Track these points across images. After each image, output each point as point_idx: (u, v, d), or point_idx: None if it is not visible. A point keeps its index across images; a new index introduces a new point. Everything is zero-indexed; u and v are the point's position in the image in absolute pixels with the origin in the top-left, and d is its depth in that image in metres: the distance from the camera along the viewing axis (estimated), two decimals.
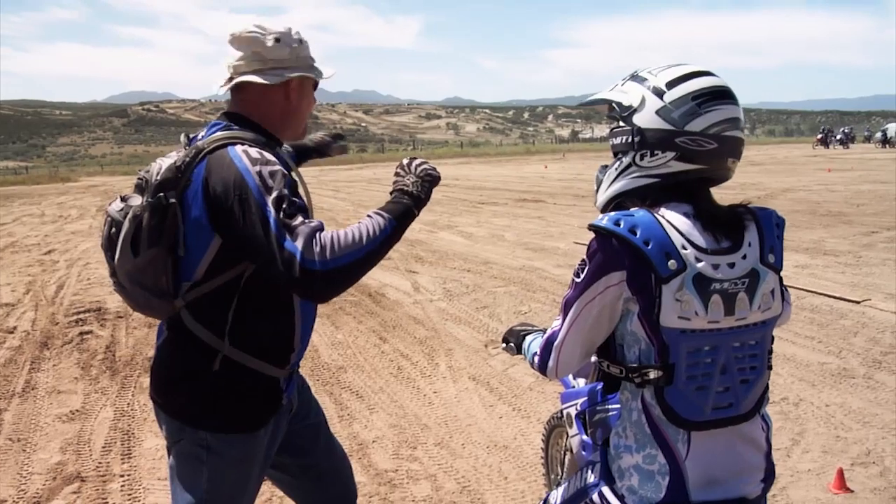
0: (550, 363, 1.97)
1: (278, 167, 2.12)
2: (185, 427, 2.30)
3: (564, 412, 2.63)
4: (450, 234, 14.49)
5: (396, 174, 2.32)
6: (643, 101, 1.86)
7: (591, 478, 2.06)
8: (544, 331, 2.12)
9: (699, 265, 1.73)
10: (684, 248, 1.73)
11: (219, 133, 2.26)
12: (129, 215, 2.18)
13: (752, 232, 1.81)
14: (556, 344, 1.94)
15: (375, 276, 9.98)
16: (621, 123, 1.90)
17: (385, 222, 2.11)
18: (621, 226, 1.74)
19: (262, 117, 2.36)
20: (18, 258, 13.08)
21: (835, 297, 8.11)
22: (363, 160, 63.00)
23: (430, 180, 2.29)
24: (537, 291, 9.01)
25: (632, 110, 1.87)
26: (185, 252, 2.19)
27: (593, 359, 2.45)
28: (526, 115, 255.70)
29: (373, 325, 7.78)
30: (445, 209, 19.24)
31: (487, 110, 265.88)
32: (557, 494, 2.22)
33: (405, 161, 2.36)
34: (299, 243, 1.98)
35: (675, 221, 1.77)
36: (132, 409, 5.47)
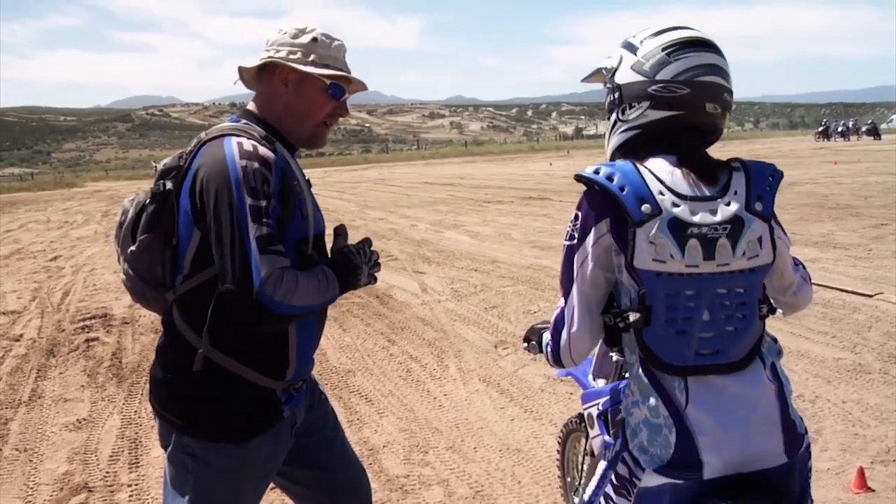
0: (563, 341, 1.96)
1: (268, 169, 2.07)
2: (172, 432, 2.26)
3: (585, 413, 2.57)
4: (456, 233, 14.42)
5: (358, 251, 2.32)
6: (621, 60, 1.97)
7: (613, 452, 2.00)
8: None
9: (675, 210, 1.76)
10: (661, 193, 1.78)
11: (225, 124, 2.25)
12: (135, 202, 2.26)
13: (738, 181, 1.83)
14: (563, 319, 1.95)
15: (383, 278, 9.88)
16: (607, 85, 2.00)
17: (334, 293, 2.19)
18: (600, 174, 1.83)
19: (270, 114, 2.31)
20: (24, 265, 13.05)
21: (847, 291, 8.02)
22: (367, 161, 63.10)
23: (371, 283, 2.37)
24: (546, 290, 8.93)
25: (613, 70, 1.98)
26: (178, 242, 2.18)
27: (615, 357, 2.39)
28: (529, 112, 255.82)
29: (381, 327, 7.72)
30: (451, 208, 19.20)
31: (491, 109, 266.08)
32: (590, 484, 2.14)
33: (364, 249, 2.35)
34: (264, 272, 1.97)
35: (656, 169, 1.83)
36: (139, 417, 5.42)
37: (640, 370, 1.86)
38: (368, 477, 2.79)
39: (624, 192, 1.77)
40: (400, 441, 4.87)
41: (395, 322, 7.88)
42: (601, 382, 2.61)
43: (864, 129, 57.33)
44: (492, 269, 10.48)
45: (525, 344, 2.47)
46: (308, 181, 2.35)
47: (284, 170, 2.16)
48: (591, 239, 1.85)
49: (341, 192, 27.32)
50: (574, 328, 1.92)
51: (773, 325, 6.70)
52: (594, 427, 2.48)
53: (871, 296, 7.82)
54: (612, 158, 1.99)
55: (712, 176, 1.83)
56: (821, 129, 58.29)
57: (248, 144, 2.09)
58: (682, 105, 1.85)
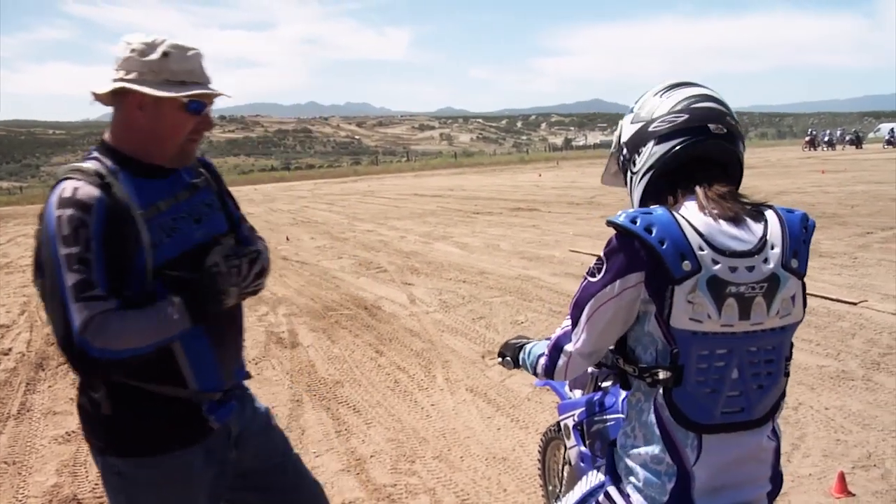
0: (560, 364, 1.96)
1: (86, 212, 2.01)
2: (97, 456, 2.27)
3: (562, 423, 2.62)
4: (445, 244, 14.46)
5: (230, 269, 2.25)
6: (621, 126, 1.99)
7: (596, 479, 2.05)
8: (548, 338, 2.09)
9: (715, 267, 1.69)
10: (701, 248, 1.70)
11: (70, 165, 2.16)
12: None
13: (775, 233, 1.77)
14: (566, 347, 1.93)
15: (371, 290, 9.97)
16: (615, 154, 2.01)
17: (181, 325, 2.10)
18: (637, 223, 1.72)
19: (127, 141, 2.21)
20: (13, 279, 13.02)
21: (831, 300, 8.10)
22: (357, 173, 63.03)
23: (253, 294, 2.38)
24: (533, 300, 8.98)
25: (617, 139, 1.99)
26: None
27: (590, 369, 2.43)
28: (519, 124, 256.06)
29: (369, 338, 7.75)
30: (440, 220, 19.24)
31: (480, 120, 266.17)
32: (566, 500, 2.18)
33: (240, 267, 2.28)
34: (79, 320, 1.95)
35: (694, 220, 1.74)
36: None
37: (652, 418, 1.81)
38: (325, 491, 2.82)
39: (664, 247, 1.69)
40: (387, 451, 4.90)
41: (383, 333, 7.91)
42: (578, 393, 2.65)
43: (847, 138, 58.01)
44: (480, 280, 10.52)
45: (499, 359, 2.44)
46: (195, 187, 2.34)
47: (114, 206, 2.06)
48: (615, 287, 1.78)
49: (331, 205, 27.33)
50: (574, 359, 1.93)
51: None
52: (570, 437, 2.52)
53: (855, 304, 7.90)
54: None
55: (744, 223, 1.77)
56: (808, 138, 58.70)
57: (70, 189, 2.04)
58: (685, 131, 1.82)
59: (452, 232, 16.47)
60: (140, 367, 2.10)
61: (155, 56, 2.13)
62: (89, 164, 2.14)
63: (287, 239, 16.79)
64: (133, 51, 2.14)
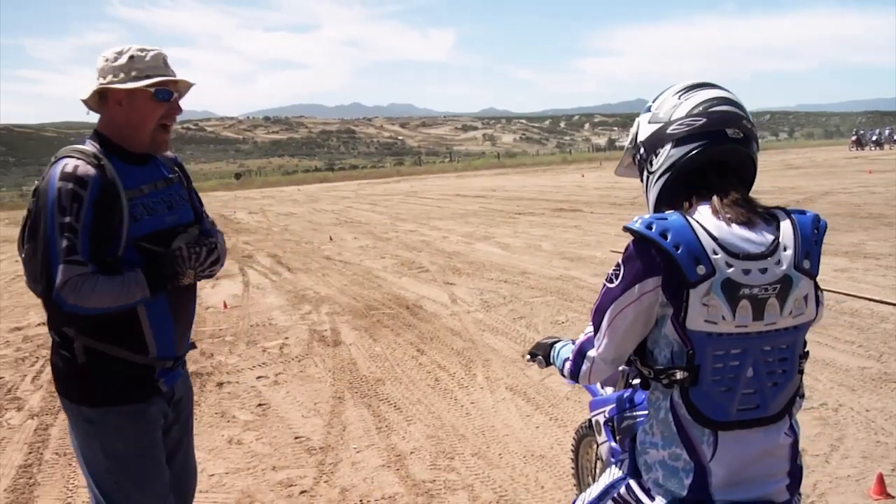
0: (583, 369, 2.02)
1: (82, 187, 2.43)
2: (71, 405, 2.67)
3: (593, 420, 2.67)
4: (487, 245, 14.52)
5: (189, 254, 2.65)
6: (638, 124, 2.04)
7: (618, 472, 2.10)
8: (573, 340, 2.16)
9: (729, 270, 1.74)
10: (715, 252, 1.75)
11: (69, 147, 2.59)
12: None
13: (787, 235, 1.81)
14: (589, 353, 1.99)
15: (413, 289, 10.08)
16: (632, 151, 2.06)
17: (142, 293, 2.51)
18: (653, 229, 1.77)
19: (112, 131, 2.64)
20: None
21: (875, 301, 8.01)
22: (400, 173, 63.35)
23: (206, 278, 2.79)
24: (574, 301, 9.01)
25: (634, 136, 2.03)
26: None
27: (621, 368, 2.48)
28: (562, 124, 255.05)
29: (411, 337, 7.85)
30: (482, 220, 19.30)
31: (524, 120, 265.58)
32: (588, 493, 2.24)
33: (197, 252, 2.68)
34: (59, 279, 2.39)
35: (708, 224, 1.79)
36: None
37: (670, 416, 1.87)
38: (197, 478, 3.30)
39: (679, 252, 1.74)
40: (427, 447, 4.98)
41: (424, 332, 8.00)
42: (609, 390, 2.70)
43: (873, 138, 56.91)
44: (521, 280, 10.57)
45: (530, 357, 2.49)
46: (168, 180, 2.76)
47: (106, 185, 2.48)
48: (634, 292, 1.83)
49: (374, 205, 27.54)
50: (597, 364, 1.99)
51: None
52: (601, 433, 2.57)
53: None
54: (657, 211, 1.96)
55: (757, 227, 1.82)
56: (854, 138, 57.70)
57: (71, 166, 2.45)
58: (703, 135, 1.86)
59: (494, 232, 16.53)
60: (111, 332, 2.56)
61: (123, 60, 2.59)
62: (87, 147, 2.59)
63: (330, 239, 16.98)
64: (106, 60, 2.60)
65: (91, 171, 2.46)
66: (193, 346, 3.03)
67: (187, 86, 2.76)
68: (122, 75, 2.57)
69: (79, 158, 2.49)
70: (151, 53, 2.63)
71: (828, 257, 9.47)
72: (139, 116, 2.61)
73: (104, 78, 2.59)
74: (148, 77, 2.58)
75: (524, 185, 35.88)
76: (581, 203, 22.85)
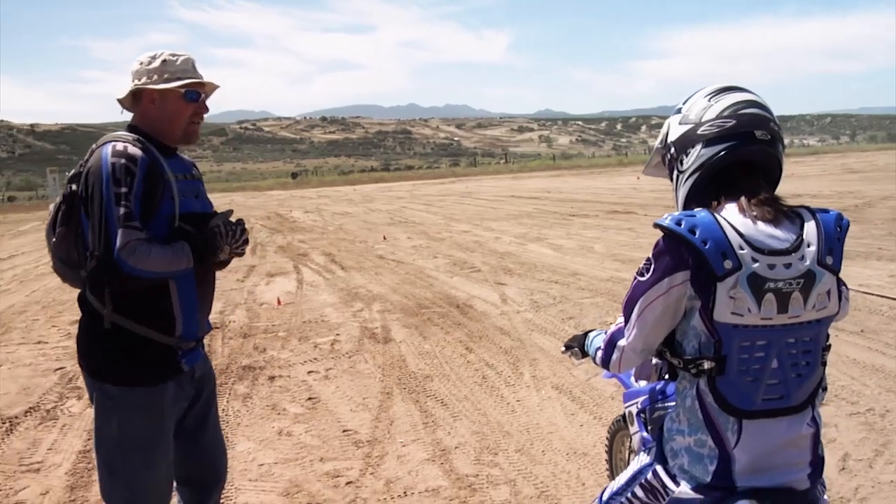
0: (614, 358, 2.12)
1: (133, 164, 2.67)
2: (95, 382, 2.85)
3: (626, 411, 2.74)
4: (539, 246, 14.55)
5: (226, 231, 2.87)
6: (668, 125, 2.12)
7: (645, 459, 2.18)
8: (606, 330, 2.24)
9: (755, 265, 1.82)
10: (741, 248, 1.83)
11: (112, 134, 2.84)
12: (55, 205, 2.85)
13: (811, 232, 1.89)
14: (619, 343, 2.09)
15: (464, 289, 10.17)
16: (662, 151, 2.13)
17: (188, 263, 2.77)
18: (682, 225, 1.87)
19: (147, 125, 2.90)
20: None
21: None
22: (455, 174, 63.46)
23: (239, 255, 2.99)
24: None
25: (664, 137, 2.11)
26: (83, 230, 2.75)
27: (654, 360, 2.55)
28: (619, 126, 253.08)
29: (460, 335, 7.93)
30: (535, 222, 19.31)
31: (580, 122, 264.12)
32: (618, 480, 2.31)
33: (233, 230, 2.91)
34: (120, 242, 2.59)
35: (734, 221, 1.87)
36: (226, 415, 5.74)
37: (696, 404, 1.95)
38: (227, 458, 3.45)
39: (707, 246, 1.82)
40: (471, 443, 5.06)
41: (473, 331, 8.08)
42: (643, 383, 2.76)
43: None
44: (572, 281, 10.59)
45: (565, 349, 2.58)
46: (193, 175, 3.05)
47: (153, 164, 2.74)
48: (663, 285, 1.92)
49: (428, 206, 27.68)
50: (626, 354, 2.08)
51: (851, 340, 6.66)
52: (633, 424, 2.64)
53: None
54: (686, 208, 2.04)
55: (782, 224, 1.90)
56: None
57: (121, 146, 2.71)
58: (732, 136, 1.93)
59: (547, 234, 16.54)
60: (142, 311, 2.77)
61: (156, 63, 2.87)
62: (128, 135, 2.84)
63: (384, 238, 17.14)
64: (141, 63, 2.88)
65: (138, 151, 2.72)
66: (212, 327, 3.24)
67: (213, 87, 3.04)
68: (155, 77, 2.85)
69: (125, 141, 2.75)
70: (182, 58, 2.91)
71: (884, 262, 9.31)
72: (170, 114, 2.89)
73: (139, 80, 2.86)
74: (179, 79, 2.86)
75: (579, 187, 35.73)
76: (635, 205, 22.72)
